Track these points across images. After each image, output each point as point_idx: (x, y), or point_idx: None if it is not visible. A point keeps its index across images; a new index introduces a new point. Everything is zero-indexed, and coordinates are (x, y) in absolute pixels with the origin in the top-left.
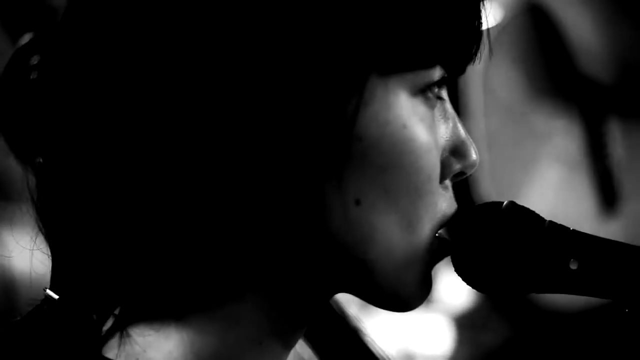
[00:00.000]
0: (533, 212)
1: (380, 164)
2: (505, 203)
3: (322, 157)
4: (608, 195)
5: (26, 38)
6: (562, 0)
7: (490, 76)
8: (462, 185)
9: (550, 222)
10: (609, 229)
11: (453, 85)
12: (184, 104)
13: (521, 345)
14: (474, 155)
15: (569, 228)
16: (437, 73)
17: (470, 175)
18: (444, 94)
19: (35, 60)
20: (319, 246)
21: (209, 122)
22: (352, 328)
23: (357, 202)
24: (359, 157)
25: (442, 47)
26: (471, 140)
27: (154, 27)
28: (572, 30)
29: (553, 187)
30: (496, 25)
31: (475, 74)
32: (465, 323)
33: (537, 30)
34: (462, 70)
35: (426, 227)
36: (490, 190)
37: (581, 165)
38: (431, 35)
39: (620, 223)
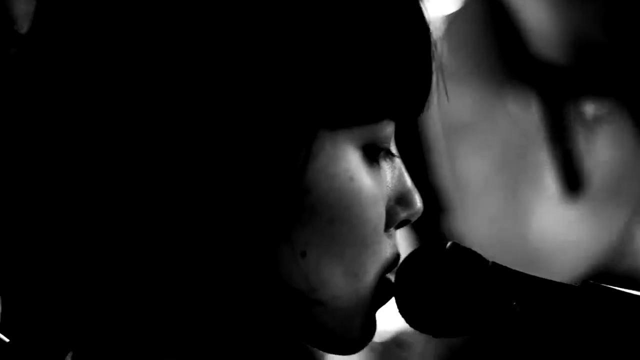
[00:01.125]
0: (476, 253)
1: (327, 216)
2: (448, 244)
3: (270, 209)
4: (571, 179)
5: None
6: None
7: (445, 62)
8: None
9: (494, 263)
10: (574, 215)
11: None
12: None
13: (485, 344)
14: (418, 204)
15: (512, 270)
16: (384, 126)
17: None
18: (392, 144)
19: None
20: (269, 295)
21: (159, 171)
22: None
23: (303, 254)
24: (306, 210)
25: (389, 103)
26: (416, 189)
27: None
28: (525, 13)
29: (514, 174)
30: (450, 13)
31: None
32: None
33: (490, 15)
34: (411, 121)
35: (371, 275)
36: (447, 179)
37: (542, 151)
38: (378, 92)
39: (585, 208)
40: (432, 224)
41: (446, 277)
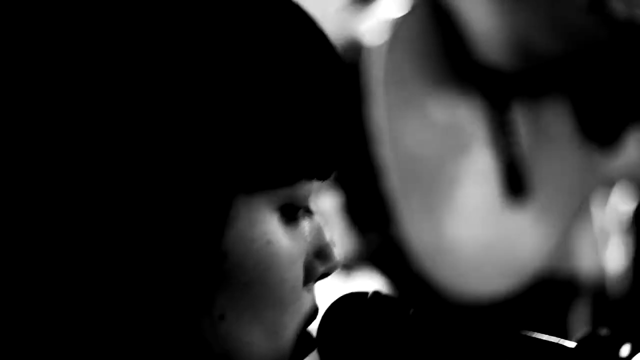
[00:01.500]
0: (397, 301)
1: (245, 280)
2: (370, 293)
3: (187, 275)
4: (515, 185)
5: None
6: None
7: (391, 67)
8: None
9: (415, 311)
10: (518, 220)
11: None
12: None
13: None
14: (336, 258)
15: (433, 316)
16: (301, 186)
17: (378, 171)
18: (310, 202)
19: None
20: (189, 358)
21: (84, 240)
22: None
23: (222, 317)
24: (224, 274)
25: (303, 166)
26: (334, 242)
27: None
28: (470, 19)
29: (459, 179)
30: (396, 18)
31: (377, 63)
32: None
33: (436, 21)
34: (327, 178)
35: (291, 331)
36: (393, 189)
37: (486, 156)
38: (292, 157)
39: (530, 213)
40: (381, 231)
41: (366, 328)
